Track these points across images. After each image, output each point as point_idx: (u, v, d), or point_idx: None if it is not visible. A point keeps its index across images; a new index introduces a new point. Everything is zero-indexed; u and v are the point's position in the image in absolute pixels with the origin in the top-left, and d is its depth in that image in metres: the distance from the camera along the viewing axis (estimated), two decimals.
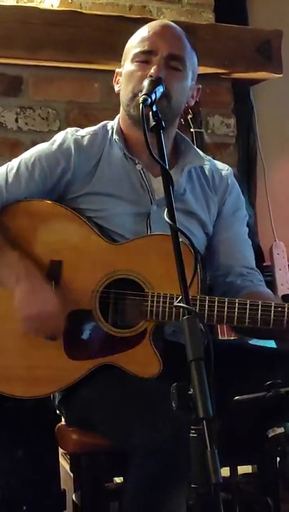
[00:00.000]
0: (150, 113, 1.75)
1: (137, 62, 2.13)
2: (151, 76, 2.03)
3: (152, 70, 2.07)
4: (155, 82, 1.93)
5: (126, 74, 2.16)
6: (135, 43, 2.17)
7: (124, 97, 2.17)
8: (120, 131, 2.22)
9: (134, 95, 2.10)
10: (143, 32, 2.17)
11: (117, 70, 2.25)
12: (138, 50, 2.14)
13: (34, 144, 2.26)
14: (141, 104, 1.78)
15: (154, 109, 1.77)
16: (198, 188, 2.26)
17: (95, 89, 3.36)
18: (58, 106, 3.33)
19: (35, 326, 2.04)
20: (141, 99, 1.80)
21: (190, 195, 2.23)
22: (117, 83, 2.24)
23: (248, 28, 3.66)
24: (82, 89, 3.35)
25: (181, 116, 2.41)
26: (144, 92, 1.87)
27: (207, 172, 2.29)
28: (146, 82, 1.94)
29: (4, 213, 2.13)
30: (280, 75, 3.58)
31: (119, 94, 2.22)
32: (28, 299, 2.02)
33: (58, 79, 3.32)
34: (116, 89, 2.24)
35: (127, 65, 2.17)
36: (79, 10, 3.32)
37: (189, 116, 3.06)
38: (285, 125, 3.87)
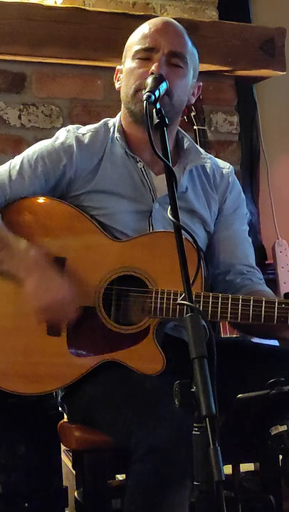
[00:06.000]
0: (154, 110, 1.75)
1: (138, 59, 2.13)
2: (152, 73, 2.02)
3: (153, 67, 2.06)
4: (159, 79, 1.93)
5: (127, 71, 2.16)
6: (136, 39, 2.16)
7: (126, 94, 2.16)
8: (121, 129, 2.21)
9: (136, 92, 2.10)
10: (144, 29, 2.16)
11: (118, 67, 2.25)
12: (139, 47, 2.13)
13: (37, 140, 2.26)
14: (145, 102, 1.77)
15: (158, 106, 1.76)
16: (199, 186, 2.26)
17: (98, 86, 3.36)
18: (61, 103, 3.33)
19: (50, 314, 2.03)
20: (145, 96, 1.80)
21: (191, 193, 2.23)
22: (118, 80, 2.23)
23: (252, 25, 3.66)
24: (86, 86, 3.35)
25: (184, 113, 2.41)
26: (147, 89, 1.87)
27: (208, 170, 2.29)
28: (149, 79, 1.94)
29: (8, 210, 2.13)
30: (284, 73, 3.58)
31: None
32: (40, 288, 2.02)
33: (61, 76, 3.32)
34: (116, 86, 2.24)
35: (128, 62, 2.16)
36: (82, 7, 3.32)
37: (192, 114, 3.06)
38: (288, 123, 3.86)
